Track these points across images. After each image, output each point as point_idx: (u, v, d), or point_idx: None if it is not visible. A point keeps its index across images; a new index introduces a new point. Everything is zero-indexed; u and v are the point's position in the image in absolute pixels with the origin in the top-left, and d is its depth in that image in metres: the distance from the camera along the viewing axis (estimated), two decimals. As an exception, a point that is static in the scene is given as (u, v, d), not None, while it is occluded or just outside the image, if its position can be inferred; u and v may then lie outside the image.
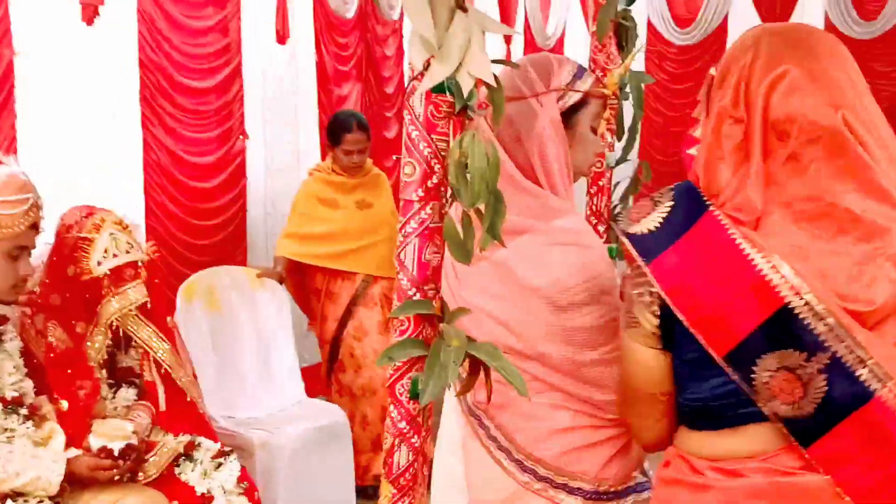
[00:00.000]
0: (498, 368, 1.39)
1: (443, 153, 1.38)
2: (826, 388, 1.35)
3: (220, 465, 2.67)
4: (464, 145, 1.34)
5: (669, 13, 8.12)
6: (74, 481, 2.38)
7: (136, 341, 2.68)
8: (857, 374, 1.34)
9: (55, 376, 2.53)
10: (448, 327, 1.39)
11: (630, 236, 1.46)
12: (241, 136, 4.49)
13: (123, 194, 3.89)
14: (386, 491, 1.41)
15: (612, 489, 1.85)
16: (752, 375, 1.38)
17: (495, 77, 1.36)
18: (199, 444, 2.70)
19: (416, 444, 1.41)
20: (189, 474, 2.62)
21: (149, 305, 2.64)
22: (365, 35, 5.34)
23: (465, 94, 1.34)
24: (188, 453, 2.66)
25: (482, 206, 1.38)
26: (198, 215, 4.32)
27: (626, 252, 1.48)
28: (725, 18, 7.93)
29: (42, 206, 2.40)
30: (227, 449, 2.74)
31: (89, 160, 3.88)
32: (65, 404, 2.49)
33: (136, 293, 2.61)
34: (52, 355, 2.54)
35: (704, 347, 1.40)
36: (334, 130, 4.09)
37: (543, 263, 1.80)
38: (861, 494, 1.38)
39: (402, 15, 5.58)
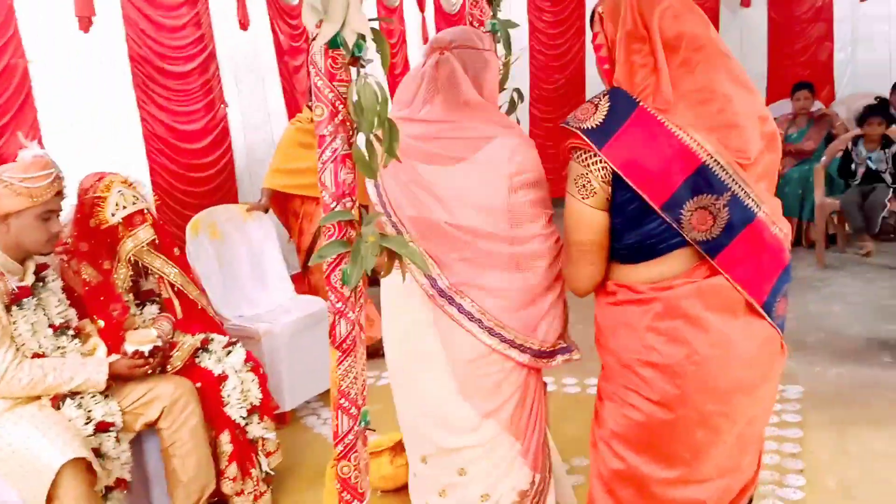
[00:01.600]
0: (404, 255, 1.36)
1: (344, 96, 1.31)
2: (728, 216, 1.49)
3: (229, 352, 2.64)
4: (358, 88, 1.28)
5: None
6: (117, 378, 2.35)
7: (151, 269, 2.60)
8: (746, 204, 1.49)
9: (92, 303, 2.46)
10: (367, 228, 1.35)
11: (583, 130, 1.51)
12: (222, 105, 4.31)
13: (130, 162, 3.72)
14: (333, 355, 1.39)
15: (548, 349, 1.81)
16: (680, 216, 1.49)
17: (374, 31, 1.28)
18: (212, 339, 2.66)
19: (352, 318, 1.38)
20: (206, 362, 2.59)
21: (157, 241, 2.55)
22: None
23: (352, 47, 1.27)
24: (204, 346, 2.63)
25: (380, 133, 1.33)
26: (193, 169, 4.15)
27: (578, 143, 1.52)
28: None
29: (63, 178, 2.30)
30: (234, 339, 2.71)
31: (98, 139, 3.69)
32: (101, 323, 2.43)
33: (145, 233, 2.52)
34: (87, 288, 2.45)
35: (645, 201, 1.49)
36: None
37: (514, 157, 1.75)
38: (748, 285, 1.53)
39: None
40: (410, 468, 1.98)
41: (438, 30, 6.82)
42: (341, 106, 1.31)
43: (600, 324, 1.67)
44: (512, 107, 2.40)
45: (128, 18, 3.81)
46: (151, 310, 2.63)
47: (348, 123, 1.33)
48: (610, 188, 1.52)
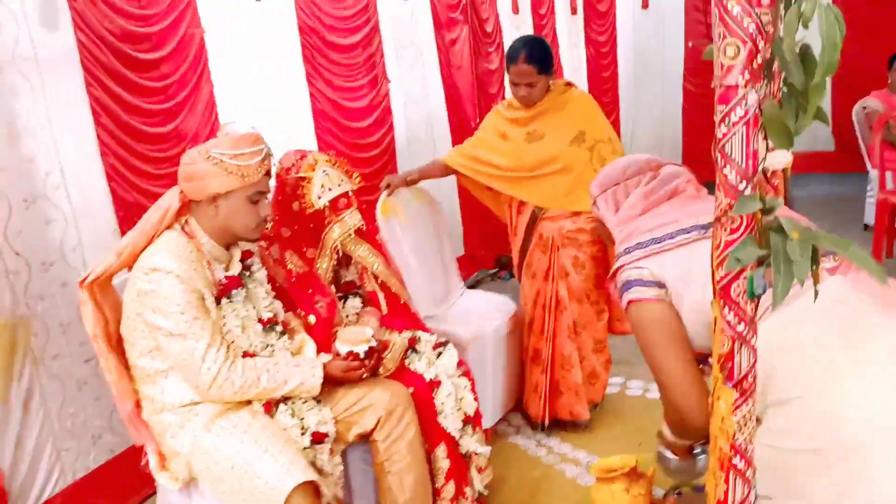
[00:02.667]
0: (849, 256, 0.96)
1: (767, 30, 0.92)
2: None
3: (440, 353, 2.33)
4: (804, 12, 0.88)
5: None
6: (329, 382, 2.06)
7: (355, 258, 2.31)
8: None
9: (299, 296, 2.19)
10: (786, 219, 0.95)
11: None
12: (386, 81, 4.02)
13: (299, 138, 3.49)
14: (727, 396, 1.00)
15: None
16: None
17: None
18: (419, 338, 2.35)
19: (755, 345, 0.99)
20: (417, 364, 2.28)
21: (364, 228, 2.26)
22: (466, -15, 4.75)
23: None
24: (412, 346, 2.32)
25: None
26: (358, 149, 3.89)
27: None
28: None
29: (272, 155, 2.02)
30: (442, 339, 2.39)
31: (269, 113, 3.46)
32: (312, 319, 2.15)
33: (352, 219, 2.24)
34: (293, 279, 2.19)
35: None
36: (506, 60, 2.90)
37: None
38: None
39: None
40: None
41: None
42: (763, 45, 0.92)
43: None
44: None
45: (297, -13, 3.55)
46: (354, 303, 2.35)
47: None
48: None
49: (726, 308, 0.98)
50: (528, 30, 5.60)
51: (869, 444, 1.15)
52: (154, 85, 2.84)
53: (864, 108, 5.18)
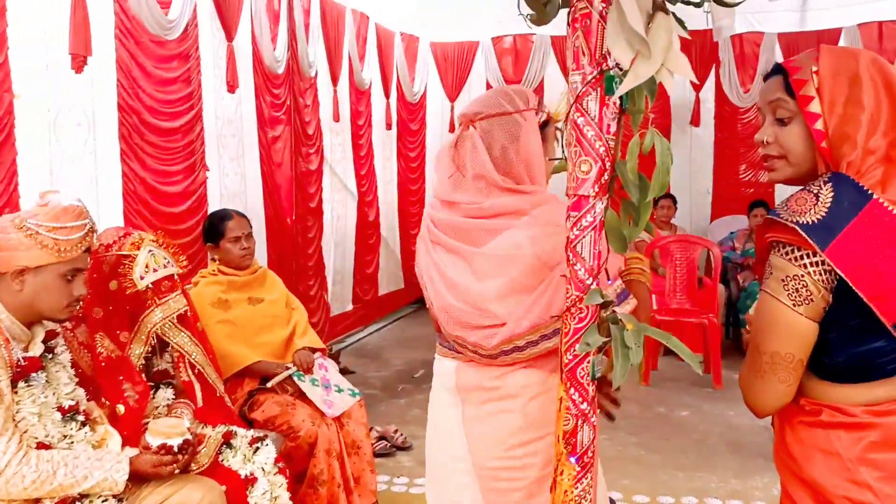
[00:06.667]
0: (672, 347, 1.12)
1: (612, 152, 1.09)
2: None
3: (257, 449, 2.22)
4: (645, 143, 1.06)
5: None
6: (136, 478, 1.89)
7: (173, 346, 2.18)
8: None
9: (106, 383, 2.02)
10: (624, 314, 1.10)
11: (802, 226, 1.22)
12: (204, 169, 3.93)
13: (106, 217, 3.27)
14: (569, 470, 1.10)
15: None
16: None
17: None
18: (235, 433, 2.23)
19: (595, 423, 1.11)
20: (231, 460, 2.15)
21: (189, 314, 2.16)
22: (292, 87, 4.86)
23: (644, 94, 1.06)
24: (227, 442, 2.20)
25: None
26: (169, 234, 3.65)
27: (791, 239, 1.24)
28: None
29: (96, 231, 1.90)
30: (260, 434, 2.29)
31: (76, 188, 3.24)
32: (121, 408, 1.98)
33: (176, 303, 2.14)
34: (103, 364, 2.02)
35: (873, 316, 1.21)
36: (213, 224, 2.95)
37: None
38: None
39: (316, 73, 5.15)
40: None
41: (399, 116, 6.75)
42: (609, 164, 1.09)
43: (790, 447, 1.42)
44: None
45: (121, 64, 3.44)
46: (166, 394, 2.20)
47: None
48: (830, 296, 1.27)
49: (572, 389, 1.09)
50: (346, 137, 5.82)
51: None
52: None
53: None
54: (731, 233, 6.26)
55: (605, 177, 1.08)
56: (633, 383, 4.78)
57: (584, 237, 1.09)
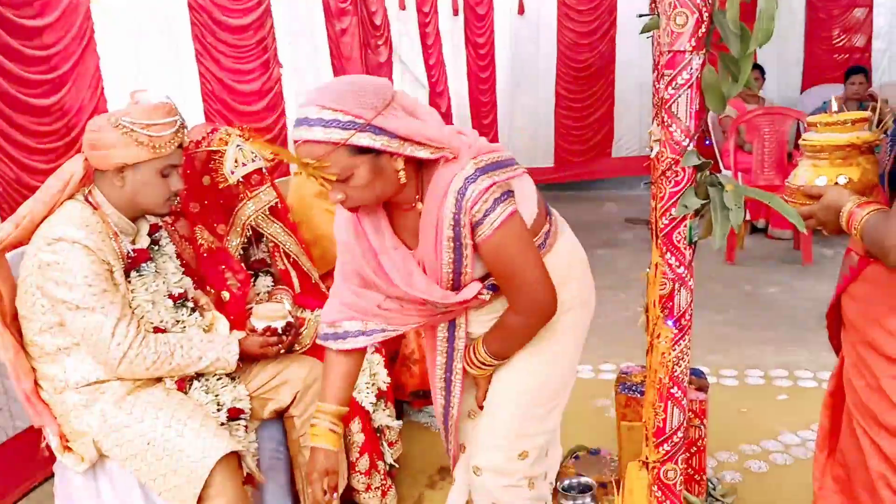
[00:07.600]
0: (774, 206, 1.09)
1: (711, 3, 1.03)
2: None
3: (353, 331, 2.33)
4: (745, -11, 1.00)
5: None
6: (245, 358, 2.01)
7: (267, 237, 2.27)
8: None
9: (210, 272, 2.13)
10: (722, 175, 1.07)
11: None
12: (278, 66, 3.96)
13: (188, 120, 3.34)
14: (666, 333, 1.11)
15: None
16: None
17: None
18: (331, 317, 2.34)
19: (691, 286, 1.10)
20: (330, 342, 2.27)
21: (279, 205, 2.23)
22: (357, -23, 4.76)
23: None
24: (325, 325, 2.31)
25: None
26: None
27: None
28: None
29: (187, 127, 1.96)
30: (355, 317, 2.39)
31: (157, 91, 3.31)
32: (226, 295, 2.10)
33: (267, 195, 2.20)
34: (204, 255, 2.12)
35: None
36: None
37: None
38: None
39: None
40: None
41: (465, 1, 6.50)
42: (707, 15, 1.03)
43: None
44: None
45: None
46: (266, 281, 2.31)
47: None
48: None
49: (668, 253, 1.08)
50: (413, 27, 5.69)
51: None
52: (36, 54, 2.65)
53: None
54: (825, 102, 5.89)
55: (703, 29, 1.03)
56: (718, 262, 4.71)
57: (679, 96, 1.05)
